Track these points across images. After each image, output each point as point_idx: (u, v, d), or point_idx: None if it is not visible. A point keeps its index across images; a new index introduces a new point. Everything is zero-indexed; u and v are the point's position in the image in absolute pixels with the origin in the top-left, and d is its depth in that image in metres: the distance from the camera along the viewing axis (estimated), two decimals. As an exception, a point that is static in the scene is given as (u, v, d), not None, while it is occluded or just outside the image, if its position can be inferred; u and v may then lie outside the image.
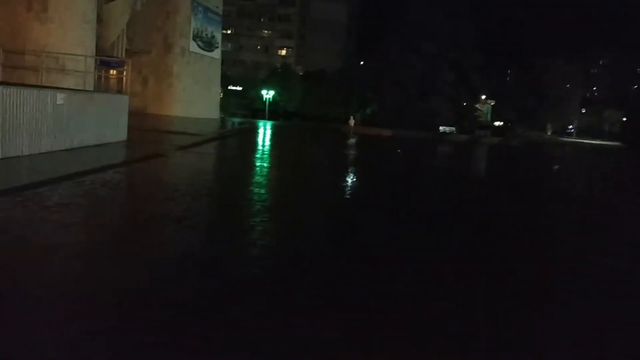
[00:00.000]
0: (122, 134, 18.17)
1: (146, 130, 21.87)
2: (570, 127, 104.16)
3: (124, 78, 21.37)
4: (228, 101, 67.15)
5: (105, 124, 17.03)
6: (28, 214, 8.03)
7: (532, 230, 10.83)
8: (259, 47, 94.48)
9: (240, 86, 77.15)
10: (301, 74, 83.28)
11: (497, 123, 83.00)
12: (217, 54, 46.06)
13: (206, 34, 43.09)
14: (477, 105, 77.76)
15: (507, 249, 8.75)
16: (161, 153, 16.89)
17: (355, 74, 74.45)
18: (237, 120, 52.11)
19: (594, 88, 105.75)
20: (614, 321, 5.84)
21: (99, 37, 25.03)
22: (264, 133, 38.96)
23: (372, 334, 4.86)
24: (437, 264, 7.37)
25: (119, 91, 21.79)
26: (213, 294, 5.55)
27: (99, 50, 25.09)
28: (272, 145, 29.29)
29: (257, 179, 14.83)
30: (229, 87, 72.42)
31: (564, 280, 7.30)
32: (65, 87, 17.53)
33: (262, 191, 12.61)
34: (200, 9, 41.25)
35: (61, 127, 14.24)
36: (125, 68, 22.44)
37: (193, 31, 40.42)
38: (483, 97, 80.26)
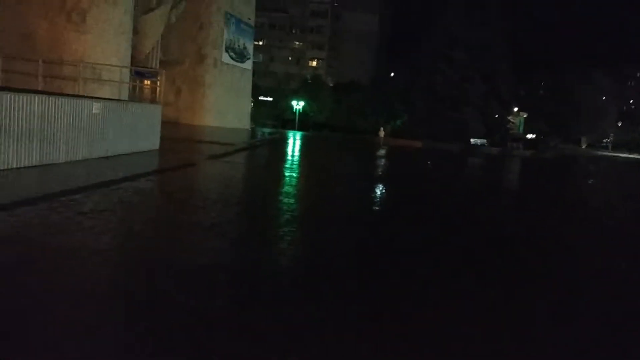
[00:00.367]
0: (155, 143, 18.48)
1: (178, 139, 22.21)
2: (606, 140, 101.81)
3: (158, 88, 21.77)
4: (259, 111, 67.76)
5: (138, 133, 17.35)
6: (63, 220, 8.21)
7: (565, 245, 10.58)
8: (290, 58, 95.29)
9: (270, 97, 77.84)
10: (331, 85, 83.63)
11: (529, 135, 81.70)
12: (248, 64, 46.57)
13: (238, 45, 43.63)
14: (509, 117, 76.71)
15: (542, 265, 8.57)
16: (193, 162, 17.11)
17: (386, 85, 74.40)
18: (267, 130, 52.50)
19: (631, 101, 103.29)
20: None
21: (134, 48, 25.58)
22: (294, 143, 39.14)
23: (404, 346, 4.80)
24: (469, 279, 7.25)
25: (153, 101, 22.21)
26: (242, 304, 5.56)
27: (134, 61, 25.63)
28: (301, 155, 29.40)
29: (287, 188, 14.88)
30: (260, 98, 73.11)
31: (592, 296, 7.10)
32: (101, 96, 17.93)
33: (291, 201, 12.64)
34: (233, 20, 41.82)
35: (96, 135, 14.57)
36: (159, 78, 22.86)
37: (226, 42, 40.98)
38: (515, 109, 79.13)
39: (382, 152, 37.36)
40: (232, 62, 42.63)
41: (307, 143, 41.56)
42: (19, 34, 20.47)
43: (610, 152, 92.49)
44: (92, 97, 16.14)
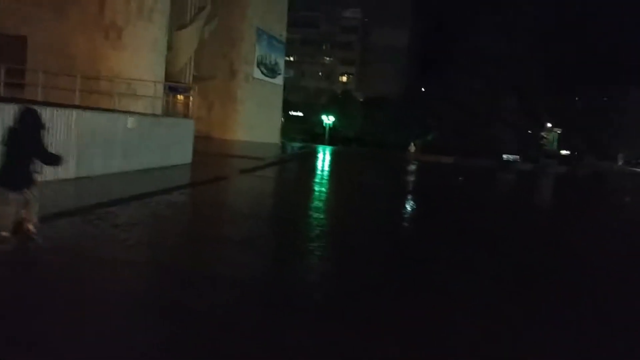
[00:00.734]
0: (187, 157, 18.71)
1: (210, 153, 22.46)
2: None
3: (190, 103, 22.09)
4: (289, 126, 68.17)
5: (171, 147, 17.60)
6: (98, 232, 8.34)
7: (599, 266, 10.27)
8: (320, 74, 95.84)
9: (301, 112, 78.31)
10: (361, 100, 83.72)
11: (563, 152, 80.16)
12: (279, 80, 46.99)
13: (270, 61, 44.10)
14: (542, 133, 75.52)
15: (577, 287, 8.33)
16: (224, 176, 17.26)
17: (416, 99, 74.14)
18: (297, 145, 52.74)
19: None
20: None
21: (168, 64, 26.07)
22: (324, 158, 39.19)
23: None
24: (501, 300, 7.08)
25: (185, 116, 22.52)
26: (271, 319, 5.53)
27: (167, 76, 26.11)
28: (331, 170, 29.39)
29: (316, 203, 14.86)
30: (290, 113, 73.60)
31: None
32: (135, 111, 18.28)
33: (321, 216, 12.60)
34: (264, 37, 42.33)
35: (131, 149, 14.83)
36: (191, 93, 23.22)
37: (257, 58, 41.47)
38: (549, 124, 77.85)
39: (412, 167, 37.11)
40: (263, 77, 43.07)
41: (336, 158, 41.58)
42: (58, 50, 21.09)
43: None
44: (127, 112, 16.46)
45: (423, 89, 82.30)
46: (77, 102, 17.67)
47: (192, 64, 32.95)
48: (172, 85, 26.94)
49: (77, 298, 5.53)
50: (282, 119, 54.30)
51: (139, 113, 17.37)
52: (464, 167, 41.90)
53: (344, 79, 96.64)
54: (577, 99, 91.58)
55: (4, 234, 6.44)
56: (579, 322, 6.34)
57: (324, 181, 21.99)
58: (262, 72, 42.77)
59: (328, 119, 69.03)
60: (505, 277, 8.23)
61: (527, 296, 7.25)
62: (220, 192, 14.95)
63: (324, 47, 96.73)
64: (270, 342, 4.86)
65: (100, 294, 5.72)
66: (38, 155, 6.46)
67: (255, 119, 40.97)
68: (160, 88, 23.22)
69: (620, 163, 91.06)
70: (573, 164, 63.08)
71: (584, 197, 28.72)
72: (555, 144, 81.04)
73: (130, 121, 14.87)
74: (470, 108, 61.37)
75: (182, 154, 18.42)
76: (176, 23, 28.94)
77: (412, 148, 50.34)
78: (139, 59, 22.16)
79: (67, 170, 12.16)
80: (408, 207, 16.24)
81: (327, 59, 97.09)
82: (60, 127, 11.85)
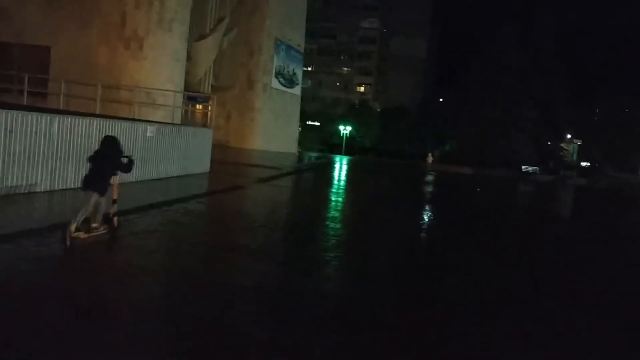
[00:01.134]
0: (205, 166, 18.86)
1: (228, 162, 22.60)
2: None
3: (209, 112, 22.28)
4: (306, 136, 68.36)
5: (190, 156, 17.75)
6: (117, 240, 8.43)
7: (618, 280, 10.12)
8: (338, 84, 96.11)
9: (318, 121, 78.50)
10: (379, 110, 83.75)
11: (583, 163, 79.11)
12: (297, 90, 47.19)
13: (288, 71, 44.33)
14: (562, 145, 74.66)
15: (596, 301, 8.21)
16: (241, 185, 17.35)
17: (434, 110, 73.91)
18: (314, 154, 52.83)
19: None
20: None
21: (187, 74, 26.38)
22: (340, 168, 39.20)
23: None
24: (519, 314, 7.01)
25: (204, 125, 22.72)
26: (286, 328, 5.54)
27: (187, 86, 26.41)
28: (347, 180, 29.38)
29: (333, 213, 14.87)
30: (308, 122, 73.82)
31: None
32: (154, 120, 18.50)
33: (338, 226, 12.60)
34: (282, 47, 42.59)
35: (150, 157, 14.99)
36: (210, 103, 23.43)
37: (275, 68, 41.72)
38: (568, 136, 76.94)
39: (429, 178, 36.95)
40: (281, 87, 43.29)
41: (353, 168, 41.56)
42: (81, 60, 21.49)
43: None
44: (146, 121, 16.66)
45: (441, 99, 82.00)
46: (98, 111, 17.95)
47: (211, 73, 33.29)
48: (191, 95, 27.22)
49: (91, 305, 5.59)
50: (300, 128, 54.47)
51: (158, 122, 17.57)
52: (482, 178, 41.60)
53: (362, 89, 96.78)
54: (597, 110, 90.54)
55: (94, 225, 8.11)
56: (589, 336, 6.25)
57: (340, 191, 21.99)
58: (280, 82, 43.01)
59: (345, 129, 69.11)
60: (520, 290, 8.15)
61: (544, 311, 7.17)
62: (237, 201, 15.03)
63: (341, 57, 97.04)
64: (284, 352, 4.86)
65: (116, 299, 5.78)
66: (117, 168, 8.31)
67: (273, 128, 41.15)
68: (179, 97, 23.48)
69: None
70: (593, 176, 62.18)
71: (603, 211, 28.31)
72: (575, 155, 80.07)
73: (150, 130, 15.05)
74: (488, 119, 60.90)
75: (200, 162, 18.56)
76: (196, 33, 29.30)
77: (430, 158, 50.15)
78: (159, 68, 22.47)
79: (87, 178, 12.34)
80: (424, 218, 16.17)
81: (345, 69, 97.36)
82: (82, 136, 12.04)
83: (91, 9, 22.03)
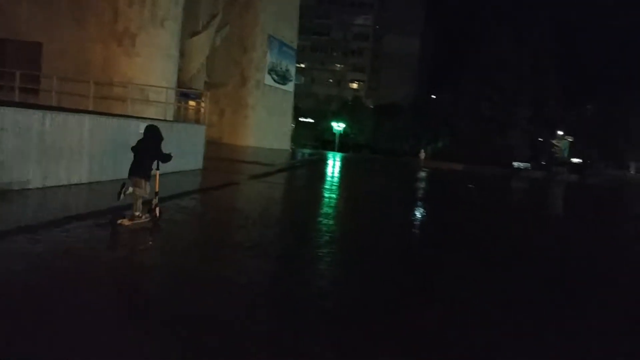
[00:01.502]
0: (198, 163, 18.86)
1: (221, 159, 22.59)
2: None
3: (202, 109, 22.26)
4: (299, 133, 68.36)
5: (183, 152, 17.70)
6: (110, 237, 8.46)
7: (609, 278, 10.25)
8: (331, 81, 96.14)
9: (311, 118, 78.52)
10: (372, 106, 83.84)
11: (574, 160, 79.60)
12: (290, 87, 47.17)
13: (281, 68, 44.30)
14: (553, 141, 75.09)
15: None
16: (234, 182, 17.37)
17: (427, 107, 74.09)
18: (307, 151, 52.86)
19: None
20: None
21: (180, 70, 26.31)
22: (333, 165, 39.26)
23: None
24: (510, 313, 7.10)
25: (197, 121, 22.69)
26: (281, 325, 5.59)
27: (179, 83, 26.35)
28: (341, 176, 29.45)
29: (326, 209, 14.92)
30: (301, 119, 73.81)
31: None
32: (147, 116, 18.48)
33: (331, 222, 12.66)
34: (276, 43, 42.55)
35: (143, 154, 14.96)
36: (203, 100, 23.41)
37: (268, 65, 41.68)
38: (560, 132, 77.40)
39: (422, 174, 37.08)
40: (274, 84, 43.26)
41: (346, 164, 41.64)
42: (74, 57, 21.42)
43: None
44: (139, 117, 16.64)
45: (434, 97, 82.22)
46: (90, 108, 17.91)
47: (204, 70, 33.20)
48: (184, 92, 27.18)
49: (85, 301, 5.63)
50: (293, 125, 54.46)
51: (151, 119, 17.55)
52: (474, 175, 41.78)
53: (355, 85, 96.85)
54: (588, 106, 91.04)
55: (137, 213, 9.14)
56: (582, 332, 6.35)
57: (333, 187, 22.06)
58: (273, 79, 42.98)
59: (338, 126, 69.15)
60: (513, 285, 8.25)
61: (532, 305, 7.26)
62: (230, 197, 15.06)
63: (334, 54, 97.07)
64: (279, 348, 4.92)
65: (109, 296, 5.82)
66: (157, 157, 9.34)
67: (266, 125, 41.13)
68: (172, 94, 23.44)
69: (632, 171, 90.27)
70: (584, 173, 62.63)
71: (593, 207, 28.53)
72: (567, 151, 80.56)
73: (142, 127, 15.02)
74: (481, 116, 61.14)
75: (193, 159, 18.56)
76: (188, 30, 29.21)
77: (423, 155, 50.33)
78: (152, 65, 22.42)
79: (80, 175, 12.34)
80: (416, 214, 16.26)
81: (338, 65, 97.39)
82: (74, 133, 12.03)
83: (83, 6, 21.93)
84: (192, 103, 28.35)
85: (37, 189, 10.94)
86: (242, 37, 38.45)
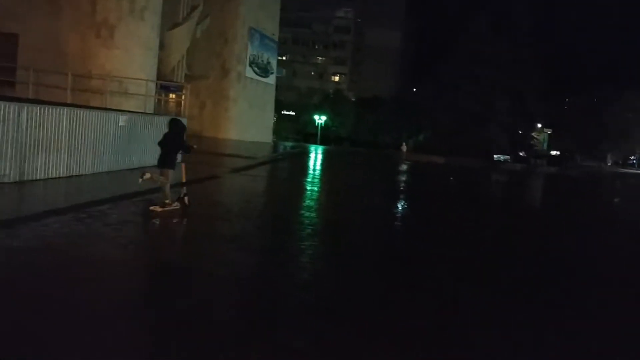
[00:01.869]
0: (178, 156, 18.69)
1: (202, 152, 22.40)
2: (632, 157, 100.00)
3: (183, 102, 22.08)
4: (281, 125, 68.25)
5: (163, 145, 17.58)
6: (90, 231, 8.36)
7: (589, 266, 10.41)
8: (312, 73, 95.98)
9: (293, 111, 78.39)
10: (353, 99, 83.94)
11: (553, 152, 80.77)
12: (272, 79, 47.01)
13: (262, 60, 44.11)
14: (533, 134, 76.01)
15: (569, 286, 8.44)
16: (216, 175, 17.28)
17: (409, 100, 74.40)
18: (289, 144, 52.80)
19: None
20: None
21: (160, 63, 26.02)
22: (315, 157, 39.26)
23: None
24: (493, 302, 7.18)
25: (178, 114, 22.50)
26: (263, 318, 5.59)
27: (159, 75, 26.07)
28: (322, 169, 29.46)
29: (308, 202, 14.92)
30: (282, 112, 73.66)
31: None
32: (127, 109, 18.27)
33: (313, 215, 12.67)
34: (257, 36, 42.34)
35: (122, 147, 14.83)
36: (184, 92, 23.22)
37: (249, 57, 41.47)
38: (539, 125, 78.38)
39: (403, 167, 37.26)
40: (255, 76, 43.08)
41: (328, 157, 41.66)
42: (51, 48, 21.03)
43: (637, 169, 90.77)
44: (118, 110, 16.45)
45: (415, 89, 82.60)
46: (68, 101, 17.64)
47: (185, 62, 32.92)
48: (164, 84, 26.92)
49: (64, 297, 5.56)
50: (274, 118, 54.32)
51: (130, 111, 17.36)
52: (455, 167, 42.12)
53: (336, 78, 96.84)
54: (567, 99, 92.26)
55: (167, 201, 10.19)
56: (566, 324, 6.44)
57: (315, 180, 22.06)
58: (254, 71, 42.79)
59: (320, 119, 69.13)
60: (490, 275, 8.34)
61: (512, 295, 7.35)
62: (211, 191, 14.97)
63: (316, 46, 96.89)
64: (261, 341, 4.91)
65: (88, 292, 5.76)
66: (182, 148, 10.56)
67: (247, 118, 40.96)
68: (152, 86, 23.20)
69: (609, 163, 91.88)
70: (563, 165, 63.55)
71: (572, 198, 28.95)
72: (546, 144, 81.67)
73: (122, 120, 14.88)
74: (461, 108, 61.60)
75: (173, 152, 18.39)
76: (168, 22, 28.90)
77: (404, 147, 50.59)
78: (131, 57, 22.14)
79: (58, 169, 12.17)
80: (398, 207, 16.34)
81: (320, 58, 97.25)
82: (51, 126, 11.84)
83: (60, -4, 21.56)
84: (172, 96, 28.11)
85: (14, 183, 10.76)
86: (223, 29, 38.19)
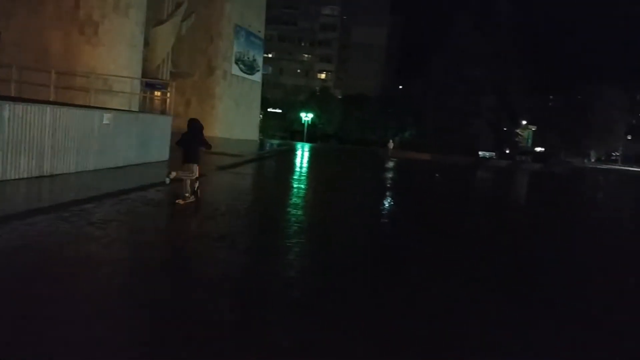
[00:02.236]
0: (164, 154, 18.62)
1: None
2: (615, 153, 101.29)
3: (168, 99, 21.95)
4: (267, 123, 68.13)
5: (149, 143, 17.49)
6: (73, 230, 8.28)
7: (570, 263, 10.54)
8: (299, 71, 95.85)
9: (279, 109, 78.23)
10: (340, 97, 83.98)
11: (537, 149, 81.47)
12: (258, 77, 46.89)
13: (248, 58, 43.97)
14: (517, 130, 76.61)
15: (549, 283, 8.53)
16: (202, 173, 17.15)
17: (395, 97, 74.61)
18: (276, 142, 52.70)
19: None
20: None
21: (145, 60, 25.85)
22: (302, 155, 39.23)
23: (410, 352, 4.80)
24: (477, 298, 7.24)
25: (163, 112, 22.36)
26: (250, 316, 5.59)
27: (144, 73, 25.89)
28: (309, 167, 29.46)
29: (294, 200, 14.92)
30: (269, 110, 73.48)
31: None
32: (111, 107, 18.12)
33: (299, 212, 12.67)
34: (242, 33, 42.18)
35: (107, 145, 14.71)
36: (169, 90, 23.07)
37: (235, 55, 41.32)
38: (524, 122, 79.03)
39: (390, 164, 37.38)
40: (241, 74, 42.94)
41: (315, 155, 41.65)
42: (33, 45, 20.79)
43: (619, 165, 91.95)
44: (103, 108, 16.31)
45: (400, 87, 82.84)
46: (52, 98, 17.45)
47: (170, 60, 32.69)
48: (150, 82, 26.73)
49: (49, 297, 5.52)
50: (261, 115, 54.19)
51: (115, 109, 17.23)
52: (441, 164, 42.34)
53: (323, 76, 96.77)
54: (551, 97, 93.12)
55: (187, 194, 11.28)
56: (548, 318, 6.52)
57: (302, 178, 22.05)
58: (240, 69, 42.65)
59: (307, 116, 69.07)
60: (473, 270, 8.41)
61: (494, 289, 7.42)
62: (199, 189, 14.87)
63: (302, 44, 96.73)
64: (248, 340, 4.91)
65: (74, 292, 5.72)
66: (202, 145, 11.34)
67: (234, 115, 40.82)
68: (137, 84, 23.04)
69: (593, 159, 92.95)
70: (547, 161, 64.19)
71: (557, 193, 29.25)
72: (530, 140, 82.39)
73: (106, 117, 14.75)
74: (448, 106, 61.90)
75: (159, 150, 18.31)
76: (153, 19, 28.69)
77: (391, 145, 50.76)
78: (116, 54, 21.96)
79: (41, 167, 12.04)
80: (384, 204, 16.40)
81: (306, 56, 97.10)
82: (34, 124, 11.71)
83: (42, -8, 21.30)
84: (157, 93, 27.92)
85: (-3, 181, 10.64)
86: (208, 26, 38.01)
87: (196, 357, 4.42)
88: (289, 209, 12.87)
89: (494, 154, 61.13)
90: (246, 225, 10.59)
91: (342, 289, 6.75)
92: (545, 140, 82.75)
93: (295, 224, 10.95)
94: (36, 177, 11.77)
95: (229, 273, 7.03)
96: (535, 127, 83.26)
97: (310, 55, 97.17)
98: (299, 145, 53.73)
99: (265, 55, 57.05)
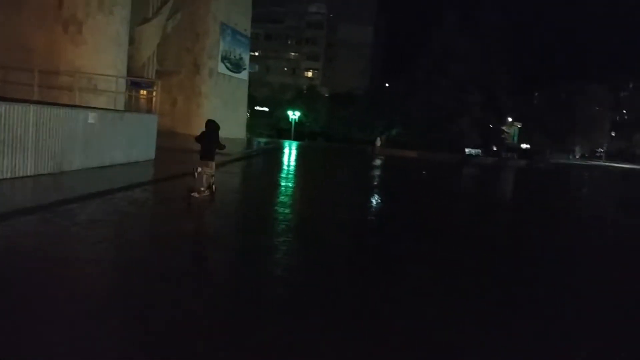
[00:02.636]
0: (150, 153, 18.50)
1: (174, 149, 22.20)
2: (599, 150, 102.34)
3: (154, 98, 21.79)
4: (254, 121, 67.81)
5: (134, 142, 17.37)
6: (58, 231, 8.21)
7: (558, 259, 10.65)
8: (285, 69, 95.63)
9: (266, 107, 77.93)
10: (327, 95, 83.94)
11: (523, 145, 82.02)
12: (244, 75, 46.69)
13: (234, 56, 43.77)
14: (503, 128, 77.03)
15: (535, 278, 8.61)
16: (188, 172, 17.08)
17: (381, 95, 74.71)
18: (263, 140, 52.55)
19: (624, 111, 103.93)
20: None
21: (130, 58, 25.61)
22: (289, 153, 39.18)
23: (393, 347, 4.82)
24: (464, 297, 7.29)
25: (149, 111, 22.20)
26: (239, 315, 5.58)
27: (130, 71, 25.66)
28: (296, 165, 29.43)
29: (282, 198, 14.92)
30: (256, 108, 73.21)
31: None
32: (97, 106, 17.96)
33: (287, 211, 12.67)
34: (229, 31, 41.97)
35: (92, 145, 14.59)
36: (155, 88, 22.91)
37: (221, 53, 41.10)
38: (510, 119, 79.52)
39: (377, 162, 37.45)
40: (228, 72, 42.73)
41: (302, 153, 41.62)
42: (15, 44, 20.50)
43: (604, 162, 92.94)
44: (88, 107, 16.17)
45: (388, 85, 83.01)
46: (35, 98, 17.25)
47: (155, 58, 32.45)
48: (135, 80, 26.51)
49: (34, 299, 5.47)
50: (248, 114, 54.00)
51: (100, 108, 17.08)
52: (428, 162, 42.50)
53: (309, 74, 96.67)
54: (536, 94, 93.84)
55: (202, 189, 11.99)
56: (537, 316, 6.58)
57: (289, 176, 22.03)
58: (226, 67, 42.43)
59: (294, 114, 68.97)
60: (460, 267, 8.47)
61: (474, 285, 7.48)
62: (183, 188, 14.81)
63: (289, 42, 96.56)
64: (238, 339, 4.91)
65: (60, 293, 5.67)
66: (217, 145, 12.17)
67: (220, 114, 40.41)
68: (122, 83, 22.83)
69: (577, 156, 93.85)
70: (533, 158, 64.69)
71: (542, 190, 29.51)
72: (516, 137, 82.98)
73: (91, 117, 14.63)
74: (433, 103, 62.11)
75: (145, 150, 18.19)
76: (138, 17, 28.45)
77: (379, 143, 50.85)
78: (100, 53, 21.72)
79: (25, 168, 11.91)
80: (371, 201, 16.44)
81: (293, 54, 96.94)
82: (18, 124, 11.58)
83: (24, -10, 21.01)
84: (143, 92, 27.70)
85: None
86: (194, 24, 37.74)
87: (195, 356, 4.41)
88: (276, 207, 12.86)
89: (480, 151, 61.41)
90: (246, 223, 10.57)
91: (330, 287, 6.76)
92: (531, 137, 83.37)
93: (283, 222, 10.96)
94: (20, 178, 11.64)
95: (220, 271, 7.01)
96: (521, 124, 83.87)
97: (296, 54, 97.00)
98: (286, 143, 53.67)
99: (252, 53, 56.80)
